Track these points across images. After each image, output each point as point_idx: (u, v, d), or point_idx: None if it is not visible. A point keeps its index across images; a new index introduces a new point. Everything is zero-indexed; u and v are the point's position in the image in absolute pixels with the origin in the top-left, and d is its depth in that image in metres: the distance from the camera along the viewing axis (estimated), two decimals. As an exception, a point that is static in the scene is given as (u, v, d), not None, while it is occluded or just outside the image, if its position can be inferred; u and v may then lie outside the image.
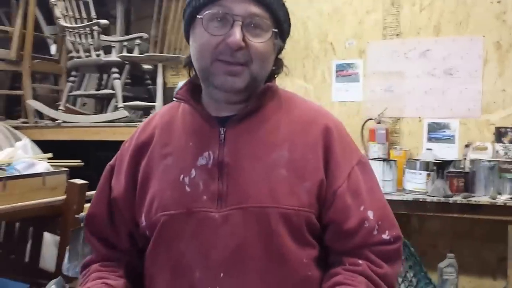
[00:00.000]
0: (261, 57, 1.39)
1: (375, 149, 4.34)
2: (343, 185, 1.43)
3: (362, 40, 4.62)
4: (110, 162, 1.61)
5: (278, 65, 1.53)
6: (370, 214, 1.44)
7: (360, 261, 1.42)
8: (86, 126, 4.46)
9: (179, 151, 1.47)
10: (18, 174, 2.78)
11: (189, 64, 1.51)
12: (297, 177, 1.40)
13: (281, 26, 1.45)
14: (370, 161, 3.85)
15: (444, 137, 4.36)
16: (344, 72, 4.67)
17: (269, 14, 1.40)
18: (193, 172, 1.42)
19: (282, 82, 4.20)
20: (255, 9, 1.38)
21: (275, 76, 1.55)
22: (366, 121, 4.49)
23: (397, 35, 4.50)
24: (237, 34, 1.35)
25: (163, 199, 1.43)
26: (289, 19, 1.50)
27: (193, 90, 1.50)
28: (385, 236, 1.44)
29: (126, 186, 1.52)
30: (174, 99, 1.54)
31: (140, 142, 1.54)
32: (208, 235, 1.37)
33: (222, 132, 1.44)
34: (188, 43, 1.48)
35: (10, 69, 5.23)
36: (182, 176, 1.43)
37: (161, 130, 1.53)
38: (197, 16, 1.41)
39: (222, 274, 1.35)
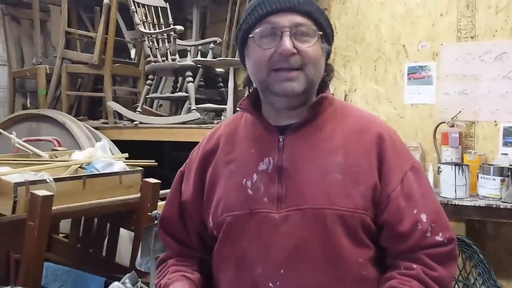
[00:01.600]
0: (313, 60, 1.51)
1: (448, 153, 4.24)
2: (396, 189, 1.51)
3: (435, 43, 4.53)
4: (181, 169, 1.76)
5: (328, 70, 1.62)
6: (423, 216, 1.50)
7: (415, 265, 1.48)
8: (161, 127, 4.61)
9: (242, 157, 1.60)
10: (96, 173, 2.91)
11: (247, 83, 1.64)
12: (352, 181, 1.49)
13: (325, 30, 1.56)
14: (442, 165, 3.88)
15: (521, 142, 4.21)
16: (416, 74, 4.60)
17: (312, 21, 1.52)
18: (255, 176, 1.55)
19: (353, 85, 4.23)
20: (299, 18, 1.51)
21: (328, 82, 1.63)
22: (439, 124, 4.40)
23: (472, 37, 4.40)
24: (287, 42, 1.48)
25: (228, 201, 1.56)
26: (330, 24, 1.60)
27: (255, 102, 1.62)
28: (439, 238, 1.50)
29: (194, 191, 1.67)
30: (238, 109, 1.68)
31: (207, 151, 1.68)
32: (269, 234, 1.49)
33: (281, 140, 1.56)
34: (244, 66, 1.61)
35: (92, 72, 5.46)
36: (245, 180, 1.56)
37: (225, 138, 1.66)
38: (249, 36, 1.55)
39: (282, 271, 1.46)
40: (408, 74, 4.65)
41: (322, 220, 1.46)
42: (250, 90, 1.66)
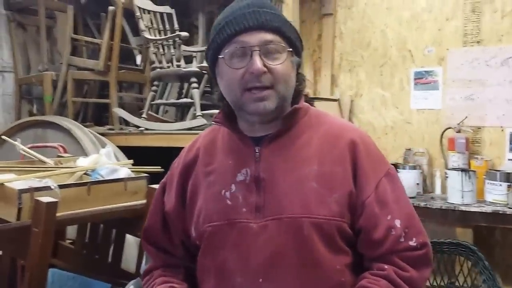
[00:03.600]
0: (284, 77, 1.54)
1: (455, 159, 4.25)
2: (371, 195, 1.54)
3: (441, 48, 4.54)
4: (163, 180, 1.80)
5: (300, 79, 1.65)
6: (397, 222, 1.54)
7: (386, 266, 1.52)
8: (167, 133, 4.60)
9: (220, 168, 1.63)
10: (101, 179, 2.91)
11: (221, 98, 1.64)
12: (327, 189, 1.52)
13: (294, 44, 1.58)
14: (449, 171, 3.87)
15: (529, 147, 4.17)
16: (423, 79, 4.61)
17: (280, 37, 1.55)
18: (233, 187, 1.58)
19: (359, 90, 4.26)
20: (267, 36, 1.53)
21: (301, 91, 1.66)
22: (446, 129, 4.40)
23: (478, 42, 4.40)
24: (257, 61, 1.50)
25: (208, 212, 1.60)
26: (299, 36, 1.62)
27: (229, 115, 1.64)
28: (412, 242, 1.53)
29: (176, 202, 1.70)
30: (212, 122, 1.71)
31: (187, 162, 1.71)
32: (248, 243, 1.52)
33: (257, 151, 1.59)
34: (215, 80, 1.64)
35: (98, 79, 5.47)
36: (223, 191, 1.59)
37: (204, 150, 1.69)
38: (219, 56, 1.57)
39: (261, 279, 1.50)
40: (415, 79, 4.66)
41: (298, 228, 1.48)
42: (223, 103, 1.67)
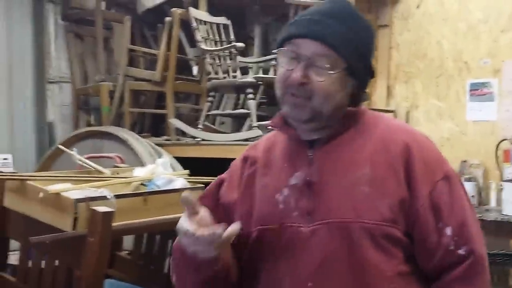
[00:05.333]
0: (322, 93, 1.49)
1: (510, 171, 4.19)
2: (424, 203, 1.49)
3: (497, 59, 4.53)
4: (221, 176, 1.76)
5: (356, 101, 1.60)
6: (448, 230, 1.48)
7: None
8: (223, 144, 4.60)
9: (275, 171, 1.62)
10: (157, 189, 2.90)
11: None
12: (379, 193, 1.48)
13: (351, 65, 1.52)
14: (504, 183, 3.79)
15: None
16: (478, 91, 4.58)
17: (335, 54, 1.50)
18: (286, 191, 1.56)
19: (415, 101, 4.19)
20: (320, 49, 1.49)
21: (358, 104, 1.62)
22: (501, 141, 4.34)
23: (533, 54, 4.33)
24: (298, 72, 1.49)
25: (260, 214, 1.58)
26: (365, 58, 1.57)
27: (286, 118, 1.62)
28: (461, 251, 1.48)
29: (235, 196, 1.66)
30: (268, 127, 1.72)
31: (247, 159, 1.70)
32: (298, 248, 1.50)
33: (310, 154, 1.57)
34: None
35: (155, 89, 5.51)
36: (276, 194, 1.57)
37: (264, 152, 1.68)
38: (277, 49, 1.58)
39: (310, 284, 1.47)
40: (470, 90, 4.62)
41: (348, 233, 1.46)
42: None
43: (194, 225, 1.42)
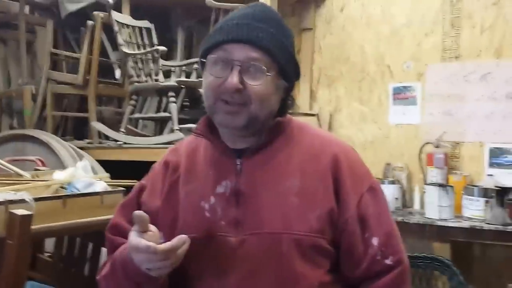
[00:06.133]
0: (259, 98, 1.48)
1: (433, 174, 4.25)
2: (352, 213, 1.51)
3: (420, 63, 4.55)
4: (141, 181, 1.72)
5: (286, 104, 1.61)
6: (375, 240, 1.52)
7: None
8: (145, 147, 4.61)
9: (200, 178, 1.58)
10: (77, 192, 2.89)
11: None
12: (308, 204, 1.49)
13: (283, 67, 1.52)
14: (427, 186, 3.89)
15: (507, 163, 4.18)
16: (401, 95, 4.62)
17: (268, 57, 1.49)
18: (212, 199, 1.53)
19: (338, 105, 4.24)
20: (253, 53, 1.47)
21: (286, 111, 1.63)
22: (424, 145, 4.42)
23: (457, 57, 4.42)
24: (234, 78, 1.46)
25: (185, 223, 1.54)
26: (293, 59, 1.57)
27: (212, 124, 1.60)
28: (388, 261, 1.51)
29: (158, 202, 1.61)
30: (193, 134, 1.66)
31: (169, 163, 1.64)
32: (225, 258, 1.48)
33: (238, 163, 1.55)
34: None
35: (77, 93, 5.49)
36: (202, 202, 1.54)
37: (186, 158, 1.64)
38: (203, 60, 1.54)
39: None
40: (393, 94, 4.67)
41: (278, 244, 1.46)
42: None
43: (152, 242, 1.37)
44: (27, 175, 3.12)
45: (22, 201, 2.56)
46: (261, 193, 1.51)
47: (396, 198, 4.23)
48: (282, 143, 1.58)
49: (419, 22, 4.58)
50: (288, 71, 1.54)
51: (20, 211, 2.43)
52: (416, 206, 4.35)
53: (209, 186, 1.55)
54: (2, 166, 3.23)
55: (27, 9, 5.94)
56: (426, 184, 4.13)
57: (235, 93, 1.47)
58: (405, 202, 4.48)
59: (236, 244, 1.48)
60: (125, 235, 1.59)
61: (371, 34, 4.81)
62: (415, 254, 2.88)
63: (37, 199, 2.62)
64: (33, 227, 2.48)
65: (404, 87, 4.62)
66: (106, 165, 4.23)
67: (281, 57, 1.51)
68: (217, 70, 1.49)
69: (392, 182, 4.28)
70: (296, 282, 1.46)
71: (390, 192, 4.11)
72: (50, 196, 2.78)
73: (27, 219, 2.43)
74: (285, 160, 1.55)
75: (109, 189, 2.98)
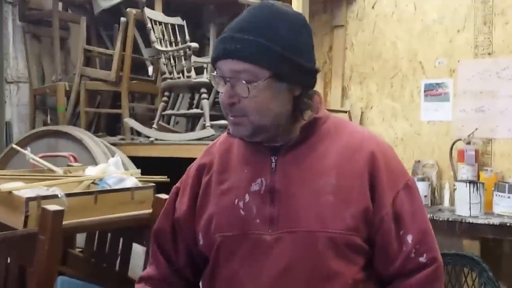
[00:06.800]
0: (254, 108, 1.48)
1: (464, 171, 4.23)
2: (388, 211, 1.52)
3: (452, 59, 4.54)
4: (176, 185, 1.77)
5: (300, 103, 1.55)
6: (409, 238, 1.53)
7: None
8: (177, 143, 4.65)
9: (234, 177, 1.60)
10: (108, 188, 2.94)
11: None
12: (343, 203, 1.50)
13: (276, 71, 1.47)
14: (457, 183, 3.86)
15: (539, 160, 4.11)
16: (433, 91, 4.60)
17: (254, 65, 1.46)
18: (247, 197, 1.56)
19: (369, 101, 4.23)
20: (237, 65, 1.46)
21: (302, 112, 1.57)
22: (456, 141, 4.39)
23: (489, 54, 4.39)
24: (225, 93, 1.49)
25: (220, 221, 1.58)
26: (287, 59, 1.48)
27: None
28: (422, 259, 1.53)
29: (188, 207, 1.67)
30: (227, 133, 1.67)
31: (202, 165, 1.69)
32: (260, 256, 1.51)
33: (273, 161, 1.56)
34: None
35: (110, 89, 5.53)
36: (237, 200, 1.57)
37: (220, 157, 1.66)
38: (213, 74, 1.56)
39: None
40: (425, 91, 4.66)
41: (313, 242, 1.47)
42: None
43: None
44: (59, 171, 3.17)
45: (54, 196, 2.62)
46: (296, 190, 1.52)
47: (426, 196, 4.22)
48: (318, 140, 1.58)
49: (451, 18, 4.56)
50: (283, 72, 1.48)
51: (52, 207, 2.48)
52: (446, 203, 4.34)
53: (243, 184, 1.57)
54: (35, 162, 3.29)
55: (60, 6, 6.01)
56: (456, 181, 4.10)
57: (231, 107, 1.49)
58: (435, 199, 4.47)
59: (271, 242, 1.50)
60: (167, 240, 1.72)
61: (403, 31, 4.80)
62: (444, 251, 2.87)
63: (69, 195, 2.67)
64: (64, 222, 2.53)
65: (436, 83, 4.60)
66: (138, 161, 4.28)
67: (268, 63, 1.46)
68: (219, 86, 1.52)
69: (422, 179, 4.28)
70: (330, 279, 1.47)
71: (419, 189, 4.07)
72: (81, 192, 2.82)
73: (59, 214, 2.48)
74: (320, 157, 1.55)
75: (140, 185, 3.02)
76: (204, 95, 4.55)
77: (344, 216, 1.48)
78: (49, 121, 5.99)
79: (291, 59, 1.49)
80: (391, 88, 4.85)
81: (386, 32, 4.90)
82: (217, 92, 4.62)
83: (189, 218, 1.66)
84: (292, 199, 1.51)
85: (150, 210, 2.92)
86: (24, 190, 2.66)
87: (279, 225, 1.50)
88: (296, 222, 1.49)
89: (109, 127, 5.92)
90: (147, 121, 5.41)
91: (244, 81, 1.45)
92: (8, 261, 2.74)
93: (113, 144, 4.81)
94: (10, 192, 2.61)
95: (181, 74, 4.74)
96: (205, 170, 1.66)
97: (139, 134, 5.21)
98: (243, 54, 1.45)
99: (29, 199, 2.53)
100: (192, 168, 1.72)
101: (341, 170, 1.53)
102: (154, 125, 4.87)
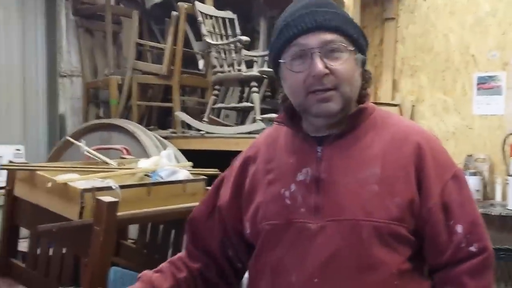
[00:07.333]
0: (347, 77, 1.50)
1: (517, 165, 4.16)
2: (436, 201, 1.51)
3: (505, 52, 4.47)
4: (222, 174, 1.79)
5: (366, 78, 1.61)
6: (459, 228, 1.51)
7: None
8: (226, 137, 4.67)
9: (281, 167, 1.61)
10: (161, 180, 2.98)
11: (284, 99, 1.63)
12: (388, 193, 1.49)
13: (357, 41, 1.54)
14: (510, 177, 3.80)
15: None
16: (486, 84, 4.53)
17: (341, 36, 1.51)
18: (293, 187, 1.56)
19: (420, 95, 4.19)
20: (327, 36, 1.50)
21: (367, 90, 1.62)
22: (508, 135, 4.33)
23: (544, 46, 4.31)
24: (318, 64, 1.47)
25: (266, 211, 1.59)
26: (362, 32, 1.58)
27: (292, 115, 1.62)
28: (473, 248, 1.51)
29: (231, 196, 1.69)
30: (274, 122, 1.70)
31: (248, 157, 1.70)
32: (305, 244, 1.51)
33: (319, 150, 1.57)
34: (279, 82, 1.63)
35: (162, 83, 5.59)
36: (283, 190, 1.57)
37: (266, 148, 1.68)
38: (280, 61, 1.56)
39: (316, 280, 1.48)
40: (477, 84, 4.58)
41: (358, 231, 1.47)
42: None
43: None
44: (113, 163, 3.24)
45: (109, 188, 2.67)
46: (341, 180, 1.52)
47: (477, 190, 4.18)
48: (364, 130, 1.58)
49: (504, 11, 4.49)
50: (361, 44, 1.56)
51: (107, 198, 2.53)
52: (498, 198, 4.29)
53: (289, 174, 1.58)
54: (90, 155, 3.35)
55: (113, 0, 6.10)
56: (509, 175, 4.04)
57: (323, 79, 1.48)
58: (487, 193, 4.42)
59: (315, 231, 1.50)
60: (200, 228, 1.75)
61: (455, 23, 4.74)
62: (497, 246, 2.84)
63: (123, 187, 2.73)
64: (118, 213, 2.58)
65: (489, 76, 4.53)
66: (188, 154, 4.32)
67: (353, 32, 1.53)
68: (298, 65, 1.51)
69: (474, 174, 4.24)
70: (375, 269, 1.47)
71: (471, 183, 4.03)
72: (135, 184, 2.88)
73: (113, 206, 2.53)
74: (366, 147, 1.55)
75: (192, 177, 3.06)
76: (255, 89, 4.56)
77: (389, 206, 1.48)
78: (101, 114, 6.07)
79: (362, 32, 1.58)
80: (442, 82, 4.80)
81: (438, 24, 4.85)
82: (268, 86, 4.63)
83: (230, 207, 1.69)
84: (337, 189, 1.52)
85: (202, 203, 2.95)
86: (79, 181, 2.72)
87: (324, 214, 1.51)
88: (341, 211, 1.50)
89: (160, 120, 5.98)
90: (197, 115, 5.44)
91: (340, 49, 1.50)
92: (64, 251, 2.81)
93: (164, 137, 4.86)
94: (66, 184, 2.69)
95: (231, 68, 4.76)
96: (250, 162, 1.68)
97: (189, 127, 5.26)
98: (334, 24, 1.50)
99: (84, 191, 2.60)
100: (237, 160, 1.74)
101: (386, 161, 1.53)
102: (205, 118, 4.90)
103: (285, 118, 1.63)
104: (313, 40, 1.49)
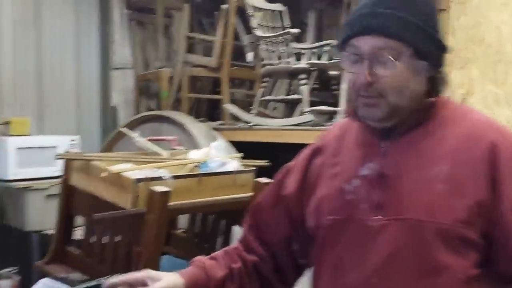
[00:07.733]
0: (394, 87, 1.42)
1: None
2: (508, 204, 1.41)
3: (560, 44, 4.37)
4: (288, 164, 1.74)
5: (434, 84, 1.50)
6: None
7: None
8: (275, 129, 4.70)
9: (346, 161, 1.57)
10: (211, 171, 3.03)
11: None
12: (456, 193, 1.41)
13: (418, 48, 1.42)
14: None
15: None
16: (539, 77, 4.44)
17: (397, 42, 1.41)
18: (355, 181, 1.51)
19: (471, 88, 4.11)
20: (378, 42, 1.41)
21: (438, 89, 1.51)
22: (562, 130, 4.22)
23: None
24: (363, 72, 1.42)
25: (327, 205, 1.55)
26: (431, 37, 1.45)
27: None
28: None
29: (298, 187, 1.65)
30: (345, 115, 1.66)
31: (316, 149, 1.67)
32: (365, 242, 1.46)
33: (384, 145, 1.50)
34: None
35: (211, 75, 5.65)
36: (345, 184, 1.53)
37: (335, 141, 1.64)
38: (340, 53, 1.52)
39: (375, 279, 1.43)
40: (531, 76, 4.49)
41: (420, 232, 1.40)
42: None
43: None
44: (165, 154, 3.30)
45: (161, 178, 2.74)
46: (406, 177, 1.46)
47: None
48: (434, 125, 1.49)
49: (560, 2, 4.37)
50: (425, 50, 1.43)
51: (160, 188, 2.60)
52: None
53: (353, 168, 1.53)
54: (143, 145, 3.42)
55: (164, -7, 6.18)
56: None
57: (368, 88, 1.42)
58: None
59: (376, 229, 1.45)
60: (262, 217, 1.72)
61: (508, 15, 4.63)
62: None
63: (174, 177, 2.79)
64: (170, 203, 2.64)
65: (543, 68, 4.42)
66: (237, 146, 4.36)
67: (413, 39, 1.41)
68: (351, 66, 1.47)
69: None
70: (439, 273, 1.39)
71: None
72: (187, 174, 2.93)
73: (166, 195, 2.60)
74: (435, 144, 1.47)
75: (241, 168, 3.10)
76: (303, 81, 4.57)
77: (455, 207, 1.39)
78: (152, 107, 6.15)
79: (431, 36, 1.45)
80: (494, 74, 4.69)
81: (490, 16, 4.75)
82: (317, 78, 4.62)
83: (297, 198, 1.65)
84: (401, 185, 1.45)
85: (251, 194, 2.99)
86: (133, 171, 2.79)
87: (386, 211, 1.44)
88: (404, 209, 1.42)
89: (209, 112, 6.05)
90: (245, 107, 5.48)
91: (390, 57, 1.40)
92: (117, 239, 2.89)
93: (214, 129, 4.91)
94: (120, 174, 2.76)
95: (280, 60, 4.78)
96: (318, 154, 1.64)
97: (238, 119, 5.30)
98: (389, 30, 1.41)
99: (138, 180, 2.67)
100: (306, 151, 1.70)
101: (456, 158, 1.43)
102: (253, 111, 4.94)
103: (352, 111, 1.56)
104: (365, 44, 1.42)
